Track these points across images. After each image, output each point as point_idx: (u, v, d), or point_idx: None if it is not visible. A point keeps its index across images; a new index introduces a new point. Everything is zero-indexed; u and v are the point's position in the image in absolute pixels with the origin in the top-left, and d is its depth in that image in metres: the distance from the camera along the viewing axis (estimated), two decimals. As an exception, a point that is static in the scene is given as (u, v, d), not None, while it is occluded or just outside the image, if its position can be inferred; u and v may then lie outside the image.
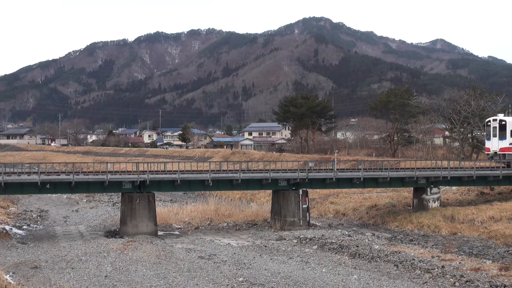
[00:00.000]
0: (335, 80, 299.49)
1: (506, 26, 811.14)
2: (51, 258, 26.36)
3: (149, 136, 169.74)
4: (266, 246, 30.11)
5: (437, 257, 25.90)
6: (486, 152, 44.61)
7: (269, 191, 41.42)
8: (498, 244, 29.58)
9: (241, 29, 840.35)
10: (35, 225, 39.00)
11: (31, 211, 46.08)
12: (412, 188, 40.22)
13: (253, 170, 37.38)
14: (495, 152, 41.96)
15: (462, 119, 61.33)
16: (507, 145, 41.52)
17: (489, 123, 43.22)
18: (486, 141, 44.00)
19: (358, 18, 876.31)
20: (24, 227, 37.79)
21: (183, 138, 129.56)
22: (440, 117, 70.09)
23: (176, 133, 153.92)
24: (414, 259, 25.32)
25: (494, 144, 42.37)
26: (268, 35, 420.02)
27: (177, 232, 35.99)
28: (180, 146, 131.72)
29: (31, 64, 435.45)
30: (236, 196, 52.23)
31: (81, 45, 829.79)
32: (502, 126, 41.87)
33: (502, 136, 41.70)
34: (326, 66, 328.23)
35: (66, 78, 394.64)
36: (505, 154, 41.62)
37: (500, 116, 42.98)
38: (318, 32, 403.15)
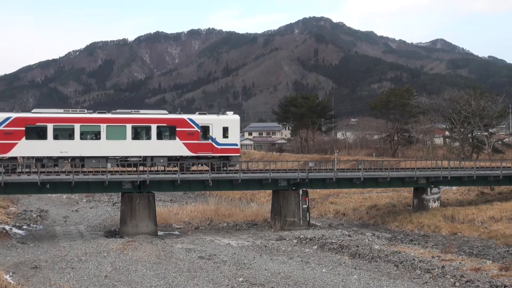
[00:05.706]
0: (335, 80, 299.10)
1: (506, 26, 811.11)
2: (51, 258, 26.33)
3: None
4: (266, 246, 30.09)
5: (437, 257, 25.89)
6: None
7: (269, 191, 41.41)
8: (498, 244, 29.60)
9: (241, 29, 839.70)
10: (35, 225, 39.00)
11: (31, 211, 46.07)
12: (412, 188, 40.21)
13: (253, 170, 37.33)
14: None
15: (462, 119, 61.31)
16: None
17: None
18: None
19: (358, 18, 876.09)
20: (24, 227, 37.80)
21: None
22: (440, 117, 70.09)
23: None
24: (414, 259, 25.30)
25: None
26: (268, 35, 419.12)
27: (177, 232, 35.98)
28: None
29: (31, 64, 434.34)
30: (236, 196, 52.23)
31: (81, 45, 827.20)
32: None
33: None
34: (326, 66, 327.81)
35: (66, 78, 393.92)
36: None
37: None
38: (318, 32, 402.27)
